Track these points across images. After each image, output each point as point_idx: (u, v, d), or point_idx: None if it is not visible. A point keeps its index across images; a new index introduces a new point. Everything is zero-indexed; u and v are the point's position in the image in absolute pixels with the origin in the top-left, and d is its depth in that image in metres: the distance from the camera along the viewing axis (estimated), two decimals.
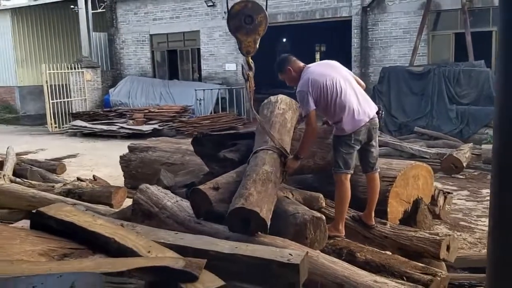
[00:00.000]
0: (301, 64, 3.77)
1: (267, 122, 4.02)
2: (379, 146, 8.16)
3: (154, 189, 3.76)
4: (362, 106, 3.60)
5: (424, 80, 10.18)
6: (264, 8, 3.62)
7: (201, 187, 3.39)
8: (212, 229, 3.13)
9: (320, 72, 3.62)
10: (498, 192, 1.60)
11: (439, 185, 6.63)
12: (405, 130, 10.11)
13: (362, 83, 3.89)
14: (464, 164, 7.29)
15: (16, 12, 18.29)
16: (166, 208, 3.54)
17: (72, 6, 16.76)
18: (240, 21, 3.55)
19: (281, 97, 4.39)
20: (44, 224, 2.20)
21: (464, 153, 7.55)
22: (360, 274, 2.64)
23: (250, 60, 3.74)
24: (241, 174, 3.52)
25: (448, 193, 4.82)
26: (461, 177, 7.27)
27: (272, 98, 4.48)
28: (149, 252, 1.87)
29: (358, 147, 3.63)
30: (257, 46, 3.66)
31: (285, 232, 3.15)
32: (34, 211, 2.28)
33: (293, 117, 4.23)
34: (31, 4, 18.97)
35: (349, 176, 3.63)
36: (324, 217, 3.25)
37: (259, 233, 2.94)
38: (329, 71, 3.64)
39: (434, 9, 11.93)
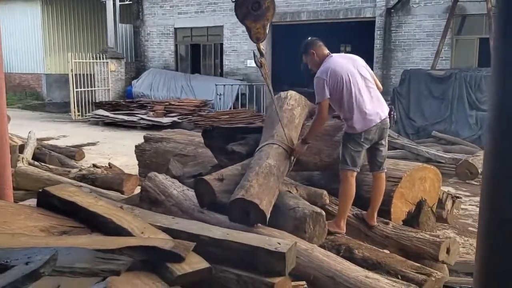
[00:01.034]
0: (326, 51, 3.77)
1: (275, 117, 4.08)
2: (396, 148, 8.30)
3: (162, 178, 3.87)
4: (374, 107, 3.62)
5: (445, 84, 10.07)
6: None
7: (206, 177, 3.48)
8: (214, 219, 3.21)
9: (341, 65, 3.63)
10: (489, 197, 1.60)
11: (453, 190, 6.59)
12: (423, 133, 10.02)
13: (380, 85, 3.89)
14: (479, 170, 7.21)
15: (47, 1, 18.71)
16: (172, 196, 3.65)
17: None
18: (247, 8, 3.57)
19: (291, 93, 4.44)
20: (49, 203, 2.32)
21: (480, 159, 7.46)
22: (352, 269, 2.69)
23: (262, 47, 3.77)
24: (246, 167, 3.59)
25: (457, 197, 4.80)
26: (476, 183, 7.20)
27: (282, 94, 4.53)
28: (142, 233, 1.96)
29: (367, 146, 3.65)
30: (267, 32, 3.70)
31: (285, 226, 3.21)
32: (40, 190, 2.40)
33: (301, 113, 4.27)
34: None
35: (355, 173, 3.66)
36: (324, 213, 3.30)
37: (258, 224, 3.02)
38: (350, 66, 3.65)
39: (459, 13, 11.77)
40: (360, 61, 3.78)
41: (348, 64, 3.66)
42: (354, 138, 3.61)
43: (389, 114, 3.71)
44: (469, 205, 6.12)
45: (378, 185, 3.75)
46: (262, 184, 3.14)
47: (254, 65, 13.84)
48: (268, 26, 3.68)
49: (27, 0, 19.02)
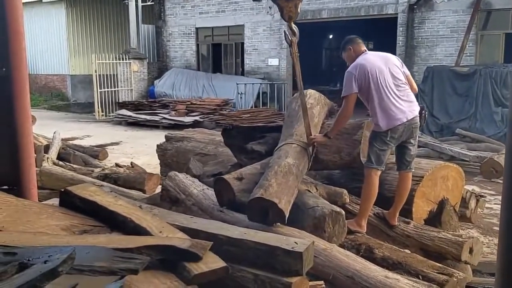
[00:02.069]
0: (363, 48, 3.83)
1: (295, 115, 4.07)
2: (419, 147, 8.14)
3: (182, 177, 3.90)
4: (402, 106, 3.59)
5: (470, 81, 9.88)
6: None
7: (225, 176, 3.49)
8: (233, 218, 3.23)
9: (372, 62, 3.65)
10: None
11: (477, 189, 6.47)
12: (447, 131, 9.86)
13: (415, 86, 3.88)
14: None
15: (71, 3, 19.05)
16: (192, 195, 3.68)
17: None
18: None
19: (310, 91, 4.42)
20: (70, 202, 2.37)
21: None
22: (372, 269, 2.67)
23: (293, 26, 3.75)
24: (265, 166, 3.59)
25: (481, 196, 4.71)
26: (501, 182, 7.03)
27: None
28: (160, 232, 1.99)
29: (393, 145, 3.64)
30: (299, 10, 3.66)
31: (304, 225, 3.20)
32: (62, 189, 2.45)
33: (321, 112, 4.25)
34: None
35: (379, 172, 3.63)
36: (343, 212, 3.28)
37: (277, 224, 3.02)
38: (380, 64, 3.65)
39: (484, 8, 11.53)
40: (393, 60, 3.78)
41: (379, 62, 3.67)
42: (380, 136, 3.58)
43: (420, 113, 3.69)
44: (494, 204, 6.00)
45: (404, 185, 3.70)
46: (281, 183, 3.14)
47: (275, 63, 13.86)
48: (300, 5, 3.65)
49: (52, 3, 19.41)
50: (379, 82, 3.57)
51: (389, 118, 3.54)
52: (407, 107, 3.61)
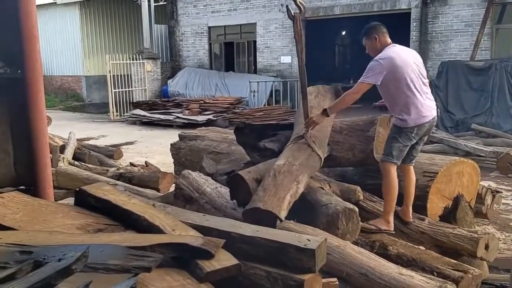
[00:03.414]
0: (389, 39, 3.71)
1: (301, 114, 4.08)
2: (434, 142, 8.09)
3: (196, 175, 3.92)
4: (429, 103, 3.60)
5: (485, 76, 9.75)
6: None
7: (245, 177, 3.42)
8: None
9: (405, 58, 3.57)
10: None
11: (493, 185, 6.40)
12: (462, 127, 9.74)
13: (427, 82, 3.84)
14: None
15: (85, 5, 19.24)
16: (205, 193, 3.70)
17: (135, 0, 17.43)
18: None
19: (309, 89, 4.39)
20: (85, 201, 2.40)
21: None
22: (386, 266, 2.66)
23: (299, 0, 3.72)
24: None
25: (497, 192, 4.65)
26: None
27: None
28: (173, 230, 2.01)
29: (414, 141, 3.61)
30: None
31: (318, 222, 3.20)
32: (77, 189, 2.49)
33: (321, 102, 4.28)
34: None
35: (395, 166, 3.59)
36: (357, 209, 3.27)
37: (286, 221, 3.01)
38: (411, 61, 3.59)
39: (499, 1, 11.37)
40: (418, 58, 3.74)
41: (410, 58, 3.61)
42: (406, 132, 3.54)
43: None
44: (511, 200, 5.92)
45: (409, 177, 3.68)
46: (267, 188, 3.12)
47: (288, 61, 13.79)
48: None
49: (66, 5, 19.62)
50: (409, 77, 3.51)
51: (418, 114, 3.52)
52: (432, 105, 3.63)
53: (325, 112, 3.67)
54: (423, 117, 3.54)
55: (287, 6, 3.79)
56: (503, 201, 5.16)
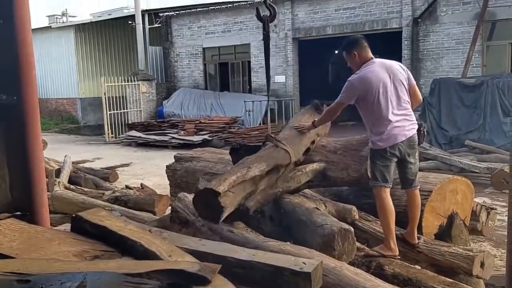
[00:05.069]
0: (369, 55, 3.64)
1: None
2: (428, 159, 8.13)
3: (192, 198, 3.93)
4: (402, 124, 3.53)
5: (477, 92, 9.86)
6: None
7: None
8: (243, 238, 3.24)
9: (379, 77, 3.51)
10: None
11: (488, 201, 6.43)
12: (456, 143, 9.81)
13: (419, 96, 3.78)
14: None
15: (80, 28, 19.42)
16: None
17: (130, 22, 17.59)
18: None
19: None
20: (82, 228, 2.41)
21: None
22: (382, 286, 2.67)
23: (268, 3, 3.78)
24: None
25: (492, 208, 4.69)
26: None
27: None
28: (170, 256, 2.02)
29: (395, 160, 3.57)
30: None
31: (314, 244, 3.21)
32: (73, 215, 2.50)
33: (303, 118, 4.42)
34: (93, 20, 20.07)
35: (388, 189, 3.57)
36: (352, 229, 3.29)
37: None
38: (387, 79, 3.52)
39: (489, 19, 11.57)
40: (399, 71, 3.62)
41: (385, 76, 3.52)
42: (380, 154, 3.55)
43: (418, 130, 3.62)
44: (506, 216, 5.92)
45: (413, 202, 3.66)
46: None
47: (282, 80, 13.90)
48: None
49: (61, 29, 19.80)
50: (382, 99, 3.48)
51: (388, 136, 3.48)
52: (407, 126, 3.55)
53: (312, 124, 3.97)
54: (395, 138, 3.48)
55: (257, 8, 3.84)
56: (498, 217, 5.18)
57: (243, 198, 3.35)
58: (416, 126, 3.64)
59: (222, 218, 3.22)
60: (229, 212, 3.21)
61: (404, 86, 3.62)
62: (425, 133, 3.84)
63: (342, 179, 4.10)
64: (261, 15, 3.77)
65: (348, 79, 3.59)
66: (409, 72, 3.75)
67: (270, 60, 14.17)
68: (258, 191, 3.50)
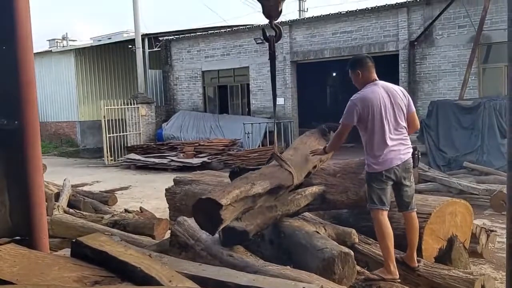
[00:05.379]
0: (373, 75, 3.70)
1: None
2: (427, 181, 8.13)
3: (191, 222, 3.93)
4: (398, 149, 3.58)
5: (474, 114, 9.94)
6: None
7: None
8: (243, 262, 3.24)
9: (381, 100, 3.56)
10: None
11: (488, 223, 6.43)
12: (455, 165, 9.83)
13: (417, 124, 3.84)
14: None
15: (80, 52, 19.61)
16: (201, 240, 3.70)
17: (130, 46, 17.77)
18: None
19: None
20: (82, 253, 2.41)
21: None
22: None
23: (275, 24, 3.78)
24: None
25: (491, 230, 4.69)
26: None
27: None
28: (170, 281, 2.02)
29: (391, 183, 3.61)
30: (280, 10, 3.66)
31: (314, 267, 3.21)
32: (73, 240, 2.50)
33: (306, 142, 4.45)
34: (94, 44, 20.29)
35: (385, 212, 3.59)
36: (352, 253, 3.29)
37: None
38: (388, 103, 3.58)
39: (485, 42, 11.73)
40: (401, 97, 3.67)
41: (386, 100, 3.58)
42: (375, 177, 3.58)
43: (413, 154, 3.67)
44: (505, 237, 5.92)
45: (411, 225, 3.67)
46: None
47: (281, 102, 13.99)
48: (281, 4, 3.66)
49: (61, 53, 20.00)
50: (380, 122, 3.54)
51: (384, 159, 3.53)
52: (402, 150, 3.60)
53: (324, 149, 3.94)
54: (390, 162, 3.53)
55: (263, 29, 3.89)
56: (498, 239, 5.16)
57: (240, 212, 3.35)
58: (411, 150, 3.69)
59: (218, 230, 3.22)
60: (225, 225, 3.19)
61: (403, 111, 3.66)
62: (419, 156, 3.90)
63: (342, 202, 4.12)
64: (267, 35, 3.82)
65: (350, 98, 3.65)
66: (410, 99, 3.79)
67: (270, 83, 14.32)
68: (256, 207, 3.50)
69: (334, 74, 22.69)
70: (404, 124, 3.65)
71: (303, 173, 4.04)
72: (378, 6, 13.49)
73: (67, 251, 2.71)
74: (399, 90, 3.75)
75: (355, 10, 13.97)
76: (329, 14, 14.43)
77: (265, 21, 3.97)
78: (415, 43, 12.80)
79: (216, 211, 3.04)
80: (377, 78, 3.72)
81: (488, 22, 11.40)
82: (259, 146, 14.35)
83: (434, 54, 12.60)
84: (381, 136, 3.55)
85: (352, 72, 3.76)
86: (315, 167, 4.25)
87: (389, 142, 3.55)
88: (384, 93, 3.62)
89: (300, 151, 4.25)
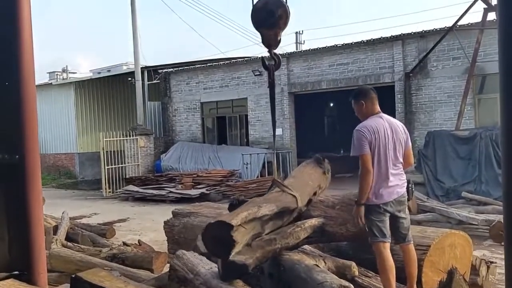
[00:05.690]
0: (377, 108, 3.76)
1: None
2: (426, 212, 8.12)
3: (190, 256, 3.92)
4: (394, 183, 3.64)
5: (471, 144, 10.02)
6: (285, 2, 3.68)
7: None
8: None
9: (384, 133, 3.62)
10: None
11: (488, 254, 6.38)
12: (453, 195, 9.84)
13: (411, 160, 3.89)
14: None
15: (80, 85, 19.81)
16: (200, 274, 3.67)
17: (129, 79, 17.98)
18: (262, 17, 3.65)
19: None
20: None
21: None
22: None
23: (274, 53, 3.84)
24: None
25: (491, 262, 4.67)
26: None
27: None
28: None
29: (388, 215, 3.65)
30: (279, 39, 3.72)
31: None
32: (73, 275, 2.50)
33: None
34: (93, 77, 20.51)
35: (387, 244, 3.60)
36: (352, 286, 3.27)
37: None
38: (390, 137, 3.64)
39: (479, 73, 11.91)
40: (401, 133, 3.75)
41: (389, 133, 3.64)
42: (374, 209, 3.61)
43: (407, 187, 3.73)
44: None
45: (409, 257, 3.68)
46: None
47: (279, 133, 14.05)
48: (280, 34, 3.72)
49: (61, 86, 20.20)
50: (384, 156, 3.60)
51: (383, 193, 3.59)
52: (400, 184, 3.67)
53: (357, 203, 3.66)
54: (387, 196, 3.59)
55: (262, 58, 3.97)
56: (499, 270, 5.12)
57: (250, 238, 3.35)
58: (406, 184, 3.76)
59: (232, 255, 3.19)
60: (237, 250, 3.19)
61: (402, 147, 3.74)
62: (413, 189, 3.94)
63: (341, 234, 4.11)
64: (267, 64, 3.90)
65: (356, 128, 3.67)
66: (408, 135, 3.87)
67: (269, 112, 14.51)
68: (264, 234, 3.52)
69: (331, 104, 22.89)
70: (401, 159, 3.73)
71: (305, 197, 4.07)
72: (373, 39, 13.75)
73: (66, 287, 2.70)
74: (400, 126, 3.83)
75: (351, 43, 14.23)
76: (325, 47, 14.69)
77: (263, 52, 4.08)
78: (411, 74, 13.00)
79: (227, 233, 3.05)
80: (380, 111, 3.79)
81: (482, 54, 11.61)
82: (257, 176, 14.34)
83: (430, 85, 12.78)
84: (383, 169, 3.61)
85: (356, 103, 3.81)
86: (315, 193, 4.28)
87: (390, 177, 3.61)
88: (388, 126, 3.69)
89: (299, 179, 4.28)
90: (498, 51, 2.19)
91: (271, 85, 3.98)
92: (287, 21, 3.69)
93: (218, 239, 3.11)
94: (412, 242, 3.70)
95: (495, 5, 10.59)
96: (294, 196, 3.83)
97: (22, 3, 3.42)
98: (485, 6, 10.71)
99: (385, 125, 3.67)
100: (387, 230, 3.61)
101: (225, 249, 3.11)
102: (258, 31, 3.83)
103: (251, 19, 3.78)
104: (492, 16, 10.75)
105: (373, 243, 3.61)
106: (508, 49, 1.33)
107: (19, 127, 3.45)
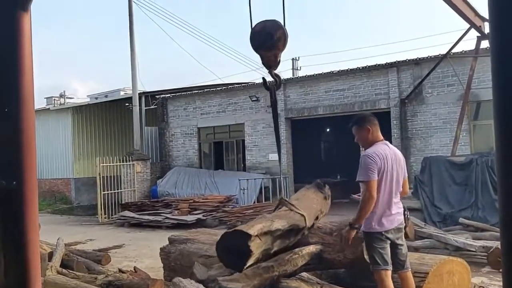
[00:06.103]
0: (380, 135, 3.80)
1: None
2: (423, 238, 8.08)
3: (187, 283, 3.90)
4: (395, 211, 3.69)
5: (467, 170, 10.05)
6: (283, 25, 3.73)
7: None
8: None
9: (391, 160, 3.65)
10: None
11: (486, 280, 6.34)
12: (450, 221, 9.81)
13: (407, 189, 3.95)
14: None
15: (77, 110, 19.87)
16: None
17: (127, 104, 18.06)
18: (260, 39, 3.70)
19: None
20: None
21: None
22: None
23: (274, 74, 3.86)
24: None
25: None
26: None
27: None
28: None
29: (389, 242, 3.66)
30: (278, 60, 3.76)
31: None
32: None
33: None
34: (91, 102, 20.59)
35: (389, 272, 3.60)
36: None
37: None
38: (394, 166, 3.67)
39: (474, 100, 12.05)
40: (402, 162, 3.81)
41: (394, 162, 3.68)
42: (376, 236, 3.62)
43: (404, 214, 3.78)
44: None
45: (407, 285, 3.69)
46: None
47: (276, 158, 14.03)
48: (279, 55, 3.76)
49: (59, 111, 20.25)
50: (389, 184, 3.64)
51: (385, 221, 3.62)
52: (400, 212, 3.72)
53: (351, 226, 3.65)
54: (388, 224, 3.62)
55: (263, 78, 4.02)
56: None
57: (261, 253, 3.35)
58: (403, 211, 3.80)
59: (247, 266, 3.17)
60: (252, 262, 3.18)
61: (401, 176, 3.80)
62: (409, 216, 3.96)
63: (339, 261, 4.11)
64: (268, 84, 3.95)
65: (365, 154, 3.68)
66: (405, 164, 3.92)
67: (266, 138, 14.47)
68: (272, 251, 3.54)
69: (328, 130, 23.00)
70: (400, 189, 3.78)
71: (312, 217, 4.09)
72: (369, 66, 13.94)
73: None
74: (401, 155, 3.87)
75: (347, 70, 14.41)
76: (321, 73, 14.88)
77: (260, 78, 4.15)
78: (406, 100, 13.14)
79: (245, 242, 3.04)
80: (383, 139, 3.84)
81: (476, 81, 11.77)
82: (254, 202, 14.30)
83: (425, 112, 12.90)
84: (387, 197, 3.64)
85: (360, 128, 3.80)
86: (317, 218, 4.30)
87: (392, 205, 3.66)
88: (393, 155, 3.73)
89: (303, 201, 4.32)
90: (491, 78, 2.23)
91: (274, 104, 4.02)
92: (286, 42, 3.75)
93: (233, 249, 3.10)
94: (410, 269, 3.70)
95: (487, 33, 10.80)
96: (302, 215, 3.85)
97: (23, 28, 3.48)
98: (478, 34, 10.90)
99: (391, 153, 3.71)
100: (389, 258, 3.63)
101: (240, 260, 3.10)
102: (258, 53, 3.89)
103: (250, 42, 3.85)
104: (485, 44, 10.94)
105: (375, 271, 3.60)
106: (500, 76, 1.36)
107: (17, 154, 3.45)
